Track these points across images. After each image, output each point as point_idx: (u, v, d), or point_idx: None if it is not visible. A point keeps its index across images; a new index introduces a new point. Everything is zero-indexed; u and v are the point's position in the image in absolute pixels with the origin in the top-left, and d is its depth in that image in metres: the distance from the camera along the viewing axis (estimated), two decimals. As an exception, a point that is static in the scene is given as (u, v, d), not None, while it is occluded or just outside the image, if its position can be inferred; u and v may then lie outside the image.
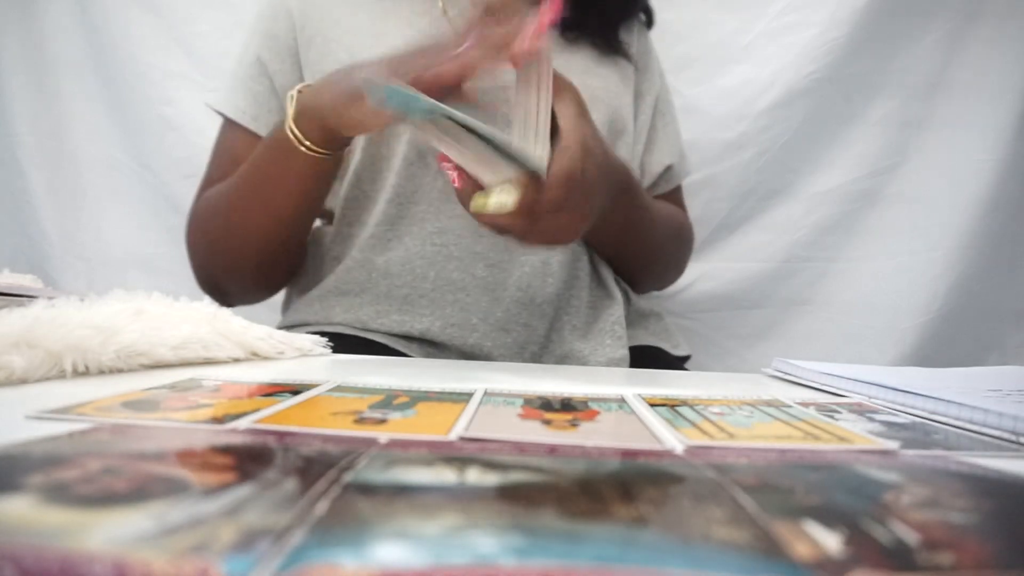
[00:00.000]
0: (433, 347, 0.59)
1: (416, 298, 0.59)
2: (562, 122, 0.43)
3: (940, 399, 0.29)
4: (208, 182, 0.66)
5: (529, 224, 0.42)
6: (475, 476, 0.17)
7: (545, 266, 0.61)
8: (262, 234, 0.60)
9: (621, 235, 0.62)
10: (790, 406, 0.29)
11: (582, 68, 0.67)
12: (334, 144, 0.53)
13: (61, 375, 0.31)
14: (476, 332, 0.59)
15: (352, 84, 0.47)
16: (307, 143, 0.52)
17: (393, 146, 0.61)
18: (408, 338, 0.59)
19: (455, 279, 0.59)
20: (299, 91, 0.53)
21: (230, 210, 0.61)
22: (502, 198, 0.40)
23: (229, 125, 0.66)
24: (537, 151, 0.41)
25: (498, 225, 0.43)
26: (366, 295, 0.60)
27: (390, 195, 0.60)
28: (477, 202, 0.41)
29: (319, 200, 0.61)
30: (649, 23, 0.77)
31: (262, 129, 0.64)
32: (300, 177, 0.56)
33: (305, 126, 0.52)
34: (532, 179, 0.40)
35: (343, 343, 0.54)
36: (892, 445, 0.22)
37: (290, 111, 0.52)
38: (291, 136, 0.52)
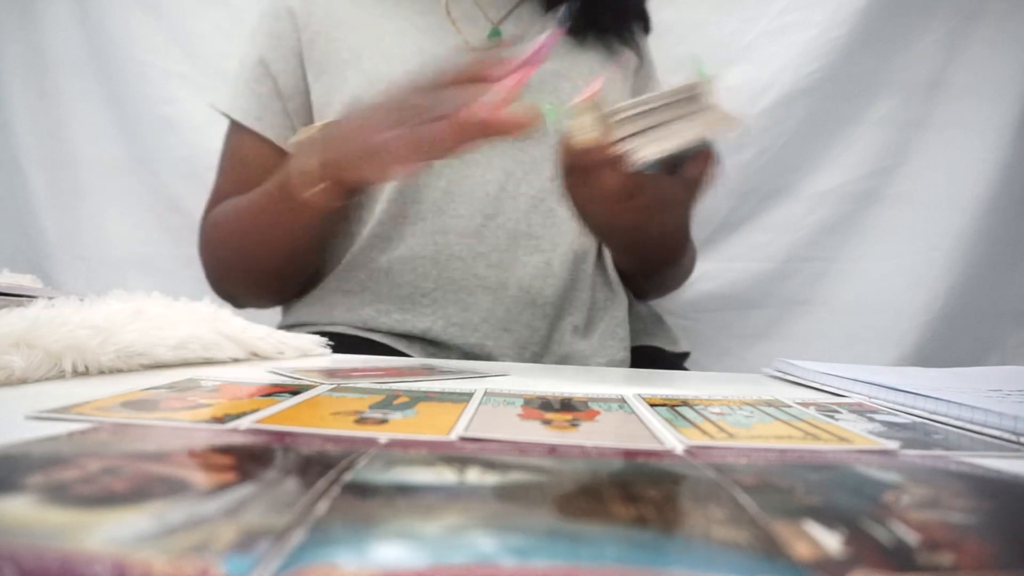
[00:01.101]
0: (434, 346, 0.59)
1: (418, 297, 0.59)
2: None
3: (940, 399, 0.29)
4: (218, 190, 0.67)
5: (585, 165, 0.44)
6: (475, 476, 0.17)
7: (547, 267, 0.61)
8: (276, 267, 0.61)
9: (657, 248, 0.62)
10: (790, 406, 0.29)
11: (588, 69, 0.68)
12: (348, 196, 0.51)
13: (61, 375, 0.31)
14: (478, 332, 0.59)
15: (366, 141, 0.45)
16: (321, 202, 0.49)
17: None
18: (409, 337, 0.59)
19: (457, 279, 0.59)
20: (300, 142, 0.52)
21: (242, 241, 0.61)
22: (587, 128, 0.43)
23: (235, 128, 0.66)
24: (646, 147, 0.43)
25: (568, 149, 0.45)
26: (367, 294, 0.60)
27: (393, 194, 0.60)
28: (577, 115, 0.44)
29: (333, 235, 0.61)
30: (646, 28, 0.78)
31: (267, 130, 0.64)
32: (312, 225, 0.55)
33: (316, 186, 0.49)
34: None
35: (344, 343, 0.54)
36: (892, 445, 0.22)
37: (297, 170, 0.50)
38: (304, 197, 0.49)
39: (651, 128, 0.44)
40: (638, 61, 0.75)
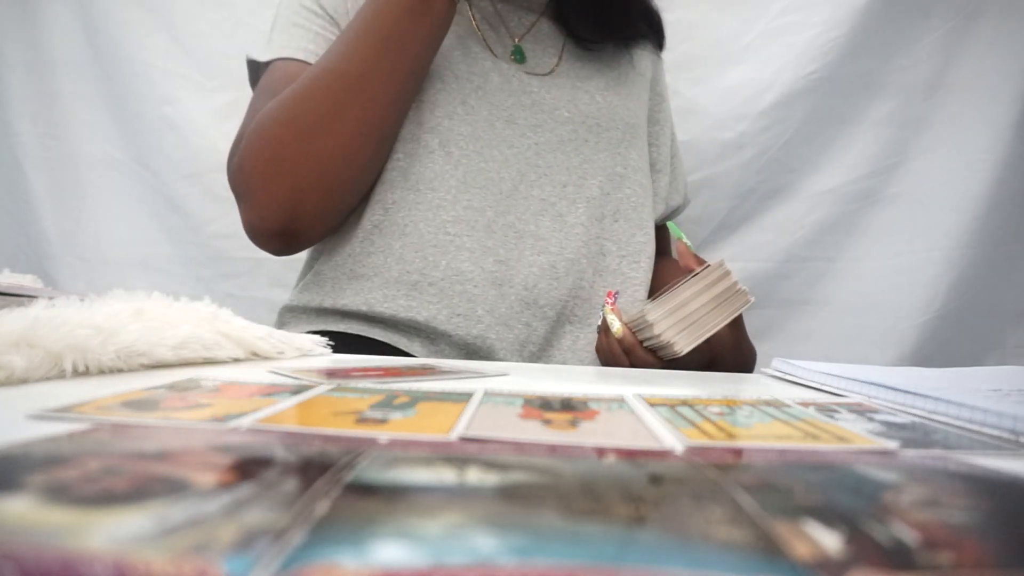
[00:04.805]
0: (436, 338, 0.59)
1: (425, 285, 0.60)
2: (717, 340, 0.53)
3: (940, 399, 0.29)
4: (254, 112, 0.62)
5: (617, 349, 0.54)
6: (475, 476, 0.17)
7: (552, 269, 0.62)
8: (381, 100, 0.58)
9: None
10: (790, 406, 0.29)
11: (603, 86, 0.71)
12: None
13: (61, 375, 0.31)
14: (480, 323, 0.59)
15: None
16: None
17: (415, 132, 0.62)
18: (411, 328, 0.59)
19: (465, 269, 0.60)
20: None
21: (341, 82, 0.57)
22: (616, 323, 0.54)
23: (285, 62, 0.64)
24: (679, 342, 0.50)
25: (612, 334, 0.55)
26: (378, 278, 0.60)
27: (411, 181, 0.61)
28: (611, 315, 0.55)
29: (430, 58, 0.62)
30: (660, 44, 0.79)
31: None
32: (436, 22, 0.59)
33: None
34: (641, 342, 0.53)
35: (344, 342, 0.54)
36: (892, 445, 0.22)
37: None
38: None
39: (681, 319, 0.50)
40: (653, 72, 0.78)
